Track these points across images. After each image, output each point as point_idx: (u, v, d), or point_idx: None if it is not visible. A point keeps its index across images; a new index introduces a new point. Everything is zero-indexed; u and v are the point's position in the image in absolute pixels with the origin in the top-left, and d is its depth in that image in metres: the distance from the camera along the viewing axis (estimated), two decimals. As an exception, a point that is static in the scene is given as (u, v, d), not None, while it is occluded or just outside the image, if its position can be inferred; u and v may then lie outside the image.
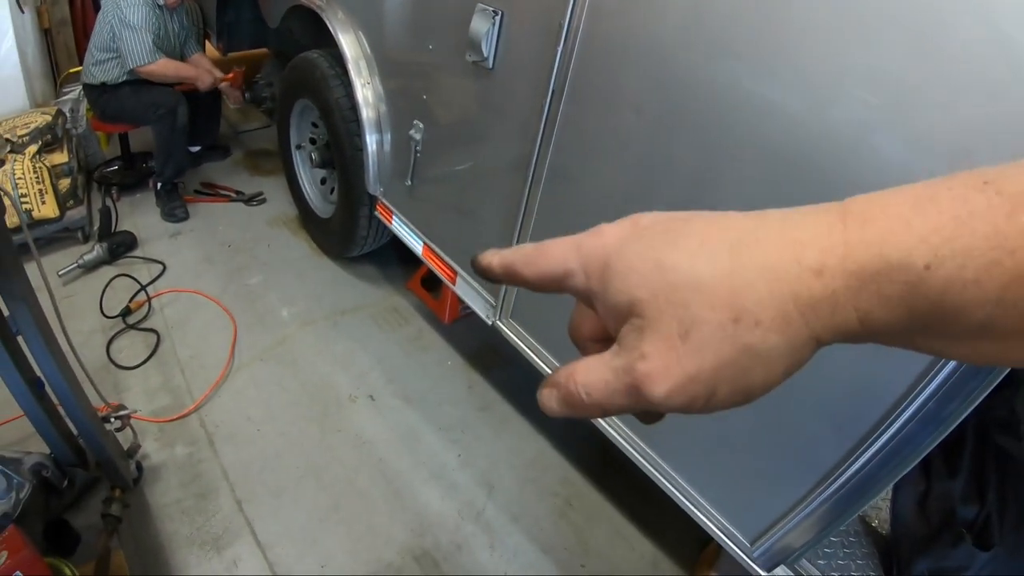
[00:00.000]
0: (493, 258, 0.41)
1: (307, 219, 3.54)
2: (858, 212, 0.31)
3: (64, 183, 3.39)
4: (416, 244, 2.54)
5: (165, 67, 3.34)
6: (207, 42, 4.23)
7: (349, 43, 2.56)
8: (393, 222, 2.66)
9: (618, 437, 1.87)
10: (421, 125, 2.30)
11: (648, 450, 1.81)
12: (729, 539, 1.68)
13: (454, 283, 2.37)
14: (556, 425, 2.61)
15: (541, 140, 1.77)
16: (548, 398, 0.38)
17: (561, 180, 1.78)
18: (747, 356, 0.32)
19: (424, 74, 2.24)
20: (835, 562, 1.81)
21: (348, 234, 3.04)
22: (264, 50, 4.30)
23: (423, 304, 3.11)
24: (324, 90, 2.80)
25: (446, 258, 2.38)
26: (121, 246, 3.29)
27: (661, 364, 0.32)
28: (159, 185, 3.62)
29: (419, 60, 2.24)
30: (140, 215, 3.66)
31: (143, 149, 3.90)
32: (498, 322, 2.18)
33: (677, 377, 0.32)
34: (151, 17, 3.25)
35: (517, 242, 1.98)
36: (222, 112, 4.18)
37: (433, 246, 2.44)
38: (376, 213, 2.79)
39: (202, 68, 3.58)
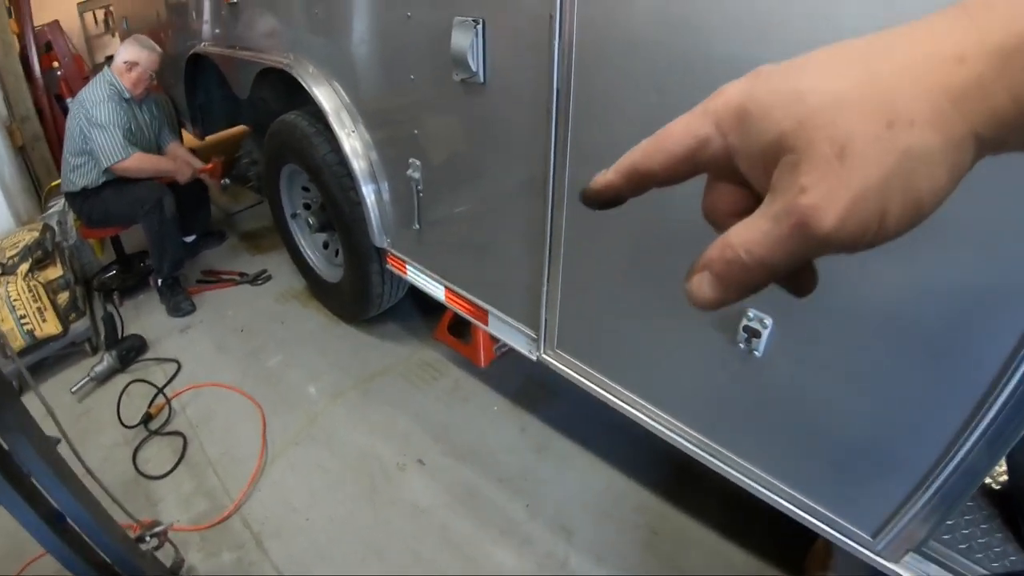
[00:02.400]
0: (606, 176, 0.39)
1: (316, 288, 3.39)
2: (977, 2, 0.30)
3: (63, 297, 3.26)
4: (437, 290, 2.37)
5: (140, 162, 3.22)
6: (183, 131, 4.14)
7: (325, 96, 2.42)
8: (408, 272, 2.50)
9: (691, 446, 1.69)
10: (418, 163, 2.15)
11: (728, 453, 1.62)
12: (845, 535, 1.48)
13: (486, 323, 2.19)
14: (622, 451, 2.43)
15: (555, 149, 1.61)
16: (699, 285, 0.35)
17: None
18: (909, 160, 0.29)
19: (411, 108, 2.08)
20: (959, 532, 1.60)
21: (362, 295, 2.88)
22: (241, 127, 4.21)
23: (454, 352, 2.95)
24: (308, 150, 2.67)
25: (473, 298, 2.21)
26: (131, 351, 3.15)
27: (824, 191, 0.30)
28: (160, 282, 3.49)
29: (402, 95, 2.09)
30: (146, 316, 3.52)
31: (138, 249, 3.78)
32: (543, 356, 2.00)
33: (843, 201, 0.30)
34: (118, 112, 3.14)
35: (549, 270, 1.82)
36: (211, 197, 4.05)
37: (456, 288, 2.27)
38: (388, 266, 2.63)
39: (180, 160, 3.46)
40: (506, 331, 2.13)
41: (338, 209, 2.67)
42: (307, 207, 3.23)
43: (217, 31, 3.20)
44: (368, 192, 2.43)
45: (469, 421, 2.66)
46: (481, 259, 2.11)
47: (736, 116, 0.34)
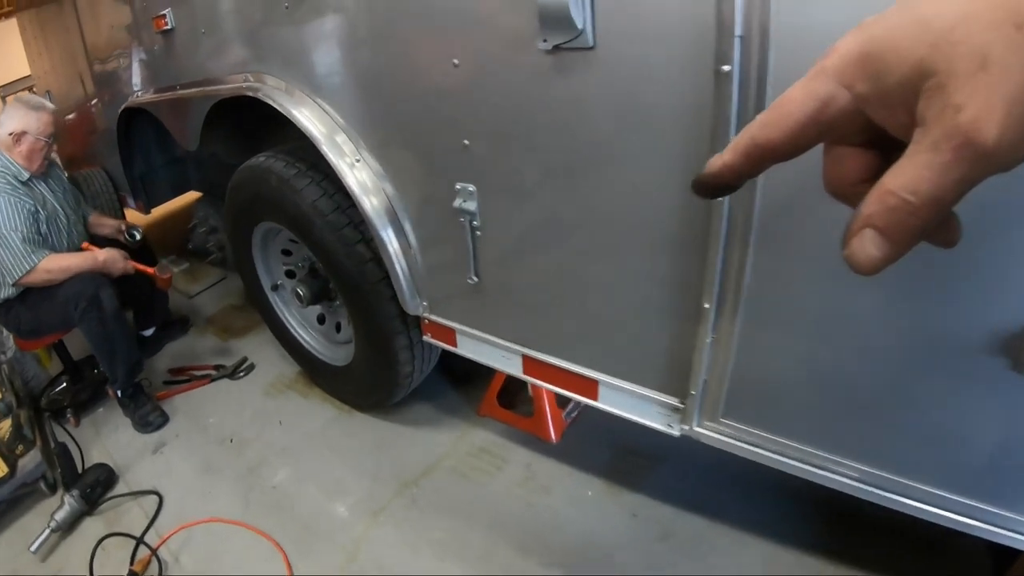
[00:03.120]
0: (723, 158, 0.39)
1: (317, 373, 2.74)
2: None
3: (4, 427, 2.59)
4: (509, 362, 1.75)
5: (51, 271, 2.53)
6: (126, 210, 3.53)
7: (312, 119, 1.81)
8: (460, 344, 1.89)
9: (845, 480, 1.25)
10: (471, 188, 1.54)
11: (892, 476, 1.19)
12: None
13: (594, 397, 1.59)
14: (767, 514, 1.91)
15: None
16: (861, 246, 0.33)
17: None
18: None
19: (455, 109, 1.48)
20: None
21: (385, 378, 2.26)
22: (191, 194, 3.56)
23: (513, 429, 2.33)
24: (291, 198, 2.05)
25: (573, 367, 1.59)
26: (97, 486, 2.46)
27: (981, 102, 0.29)
28: (119, 392, 2.80)
29: (439, 93, 1.48)
30: (109, 435, 2.82)
31: (87, 353, 3.04)
32: (696, 429, 1.40)
33: (1000, 108, 0.29)
34: (15, 205, 2.47)
35: (717, 322, 1.25)
36: (164, 280, 3.36)
37: (543, 357, 1.65)
38: (426, 338, 1.99)
39: (105, 254, 2.68)
40: (629, 404, 1.53)
41: (340, 271, 2.05)
42: (290, 275, 2.60)
43: (151, 72, 2.59)
44: (388, 239, 1.82)
45: (562, 517, 2.04)
46: (587, 314, 1.50)
47: (860, 63, 0.34)
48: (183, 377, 3.10)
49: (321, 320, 2.62)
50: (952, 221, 0.37)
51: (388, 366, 2.18)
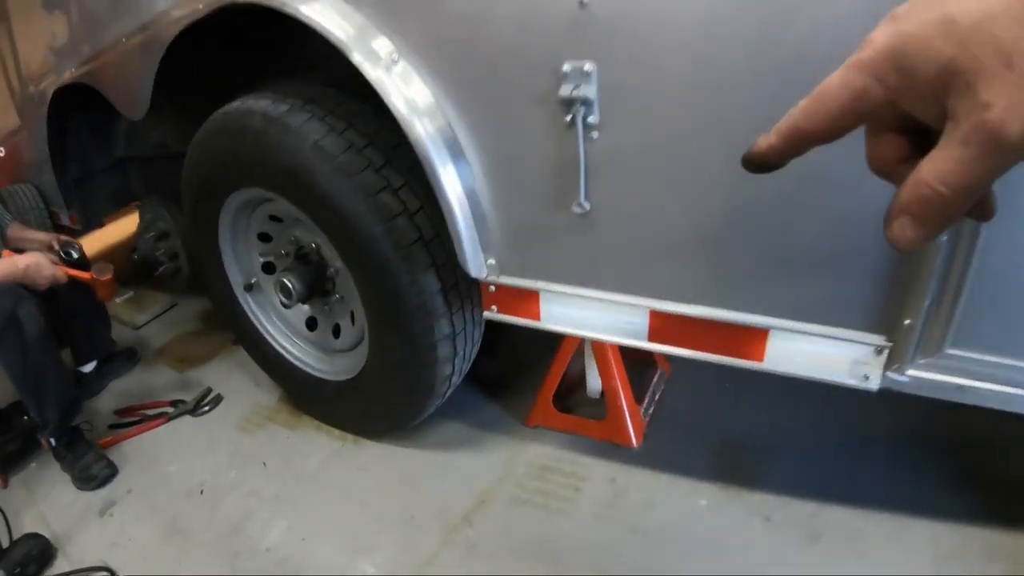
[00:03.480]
0: (769, 140, 0.42)
1: (307, 396, 2.18)
2: None
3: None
4: (627, 325, 1.30)
5: None
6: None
7: (331, 14, 1.30)
8: (546, 312, 1.42)
9: None
10: (589, 68, 1.09)
11: None
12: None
13: (760, 355, 1.21)
14: (911, 490, 1.65)
15: None
16: (901, 230, 0.37)
17: None
18: None
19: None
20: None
21: (414, 385, 1.76)
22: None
23: (577, 438, 1.92)
24: (281, 143, 1.55)
25: (731, 316, 1.11)
26: (28, 565, 1.86)
27: (1007, 101, 0.31)
28: (52, 440, 2.20)
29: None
30: (44, 495, 2.20)
31: (16, 397, 2.39)
32: (910, 372, 1.09)
33: None
34: None
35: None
36: (104, 308, 2.75)
37: (688, 308, 1.21)
38: (490, 314, 1.53)
39: (26, 259, 2.07)
40: (809, 356, 1.19)
41: (355, 238, 1.56)
42: (268, 269, 2.04)
43: (87, 36, 2.10)
44: (447, 176, 1.33)
45: (681, 538, 1.63)
46: (759, 233, 1.11)
47: (891, 59, 0.36)
48: (133, 418, 2.48)
49: (312, 325, 2.06)
50: (988, 198, 0.40)
51: (420, 368, 1.66)
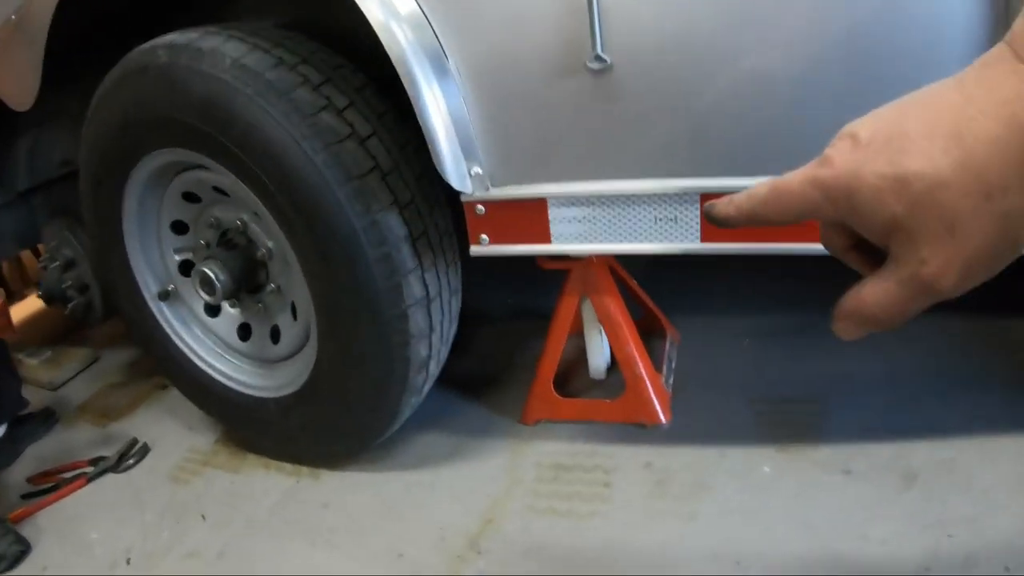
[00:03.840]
0: (728, 208, 0.44)
1: (247, 424, 1.79)
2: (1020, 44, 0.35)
3: None
4: (670, 225, 1.05)
5: None
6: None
7: None
8: (556, 227, 1.14)
9: None
10: None
11: None
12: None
13: None
14: (975, 404, 1.51)
15: None
16: (846, 330, 0.42)
17: None
18: (1007, 222, 0.35)
19: None
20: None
21: (383, 380, 1.42)
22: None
23: (590, 426, 1.63)
24: (194, 72, 1.26)
25: None
26: None
27: (943, 261, 0.36)
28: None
29: None
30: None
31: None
32: None
33: (959, 266, 0.36)
34: None
35: None
36: (12, 363, 2.33)
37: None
38: (480, 248, 1.24)
39: None
40: None
41: (291, 177, 1.24)
42: (185, 270, 1.66)
43: None
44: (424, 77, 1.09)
45: (751, 517, 1.37)
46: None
47: (846, 197, 0.38)
48: (48, 483, 2.05)
49: (244, 335, 1.67)
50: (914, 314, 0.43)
51: (389, 351, 1.34)
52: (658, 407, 1.51)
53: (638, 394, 1.52)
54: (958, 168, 0.34)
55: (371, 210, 1.20)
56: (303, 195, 1.22)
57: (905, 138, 0.36)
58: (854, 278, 0.42)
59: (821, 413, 1.58)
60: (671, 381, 1.68)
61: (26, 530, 1.86)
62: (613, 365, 1.66)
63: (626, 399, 1.54)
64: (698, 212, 1.00)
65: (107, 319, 2.31)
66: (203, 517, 1.70)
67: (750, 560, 1.27)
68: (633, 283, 1.73)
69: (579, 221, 1.12)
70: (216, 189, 1.51)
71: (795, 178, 0.40)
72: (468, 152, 1.12)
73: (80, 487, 1.99)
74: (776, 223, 0.42)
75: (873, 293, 0.39)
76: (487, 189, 1.17)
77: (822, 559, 1.26)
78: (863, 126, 0.39)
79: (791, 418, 1.58)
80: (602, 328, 1.55)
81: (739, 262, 2.07)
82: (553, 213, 1.14)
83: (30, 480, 2.10)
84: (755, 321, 1.91)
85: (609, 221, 1.10)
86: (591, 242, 1.14)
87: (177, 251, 1.67)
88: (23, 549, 1.79)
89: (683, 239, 1.06)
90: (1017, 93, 0.34)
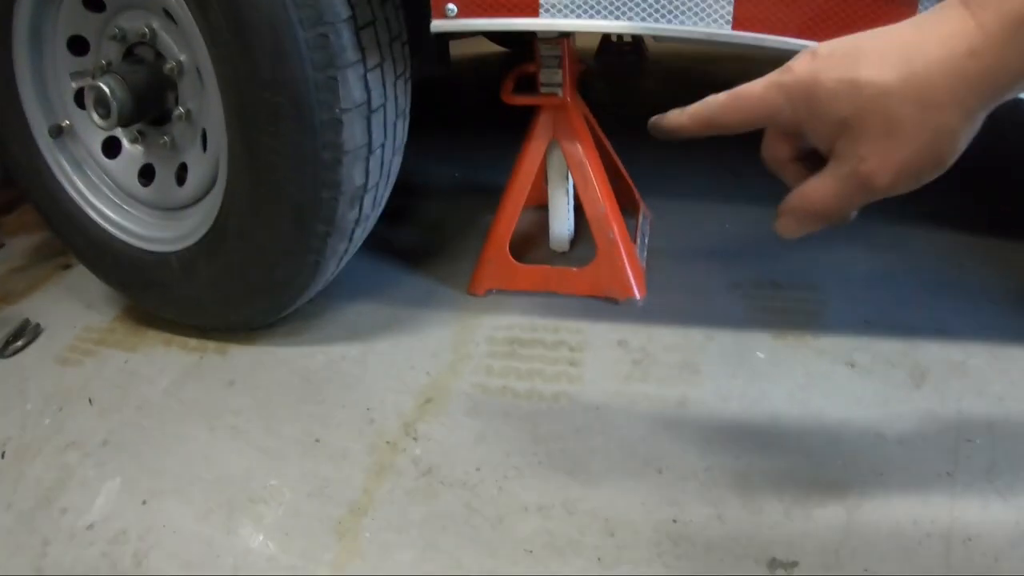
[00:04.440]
0: (680, 118, 0.49)
1: (147, 286, 1.50)
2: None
3: None
4: None
5: None
6: None
7: None
8: None
9: None
10: None
11: None
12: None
13: None
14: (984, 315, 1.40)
15: None
16: (787, 226, 0.48)
17: None
18: (938, 135, 0.40)
19: None
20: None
21: (307, 214, 1.16)
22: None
23: (554, 298, 1.44)
24: None
25: None
26: None
27: (880, 160, 0.42)
28: None
29: None
30: None
31: None
32: None
33: (894, 166, 0.41)
34: None
35: None
36: None
37: None
38: (444, 20, 0.98)
39: None
40: None
41: None
42: (80, 101, 1.39)
43: None
44: None
45: (755, 404, 1.19)
46: None
47: (805, 95, 0.43)
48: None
49: (148, 173, 1.41)
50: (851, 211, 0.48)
51: (316, 173, 1.08)
52: (632, 279, 1.31)
53: (611, 261, 1.32)
54: (903, 81, 0.40)
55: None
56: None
57: (860, 52, 0.42)
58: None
59: (819, 302, 1.43)
60: (644, 255, 1.50)
61: None
62: (578, 238, 1.45)
63: (596, 266, 1.33)
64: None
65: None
66: (90, 402, 1.44)
67: (752, 454, 1.07)
68: (606, 142, 1.51)
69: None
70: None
71: (757, 84, 0.45)
72: None
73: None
74: (732, 130, 0.47)
75: (815, 188, 0.45)
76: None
77: (834, 458, 1.08)
78: (822, 45, 0.43)
79: (785, 304, 1.43)
80: (570, 187, 1.32)
81: (721, 156, 1.95)
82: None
83: None
84: (738, 208, 1.76)
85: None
86: (592, 16, 0.89)
87: (74, 76, 1.40)
88: None
89: (711, 22, 0.85)
90: (959, 29, 0.39)
